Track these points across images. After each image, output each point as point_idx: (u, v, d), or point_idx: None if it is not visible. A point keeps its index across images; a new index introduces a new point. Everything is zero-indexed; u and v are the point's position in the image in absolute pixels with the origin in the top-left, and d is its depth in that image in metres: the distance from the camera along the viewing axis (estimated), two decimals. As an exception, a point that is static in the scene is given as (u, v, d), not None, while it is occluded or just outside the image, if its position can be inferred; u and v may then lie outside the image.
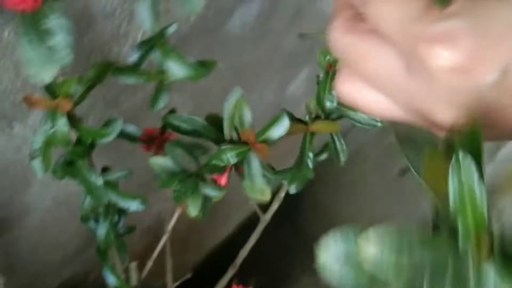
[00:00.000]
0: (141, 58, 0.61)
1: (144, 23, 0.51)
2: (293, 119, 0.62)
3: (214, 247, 1.41)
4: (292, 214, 1.34)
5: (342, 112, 0.65)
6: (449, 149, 0.27)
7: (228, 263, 0.80)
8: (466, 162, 0.26)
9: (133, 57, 0.61)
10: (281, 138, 0.60)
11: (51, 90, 0.57)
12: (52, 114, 0.57)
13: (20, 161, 0.75)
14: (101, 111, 0.77)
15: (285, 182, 0.68)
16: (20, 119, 0.71)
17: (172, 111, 0.64)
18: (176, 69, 0.60)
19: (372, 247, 0.26)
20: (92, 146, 0.61)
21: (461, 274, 0.26)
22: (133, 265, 0.73)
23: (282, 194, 0.75)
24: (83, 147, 0.60)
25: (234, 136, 0.60)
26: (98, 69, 0.59)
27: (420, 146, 0.33)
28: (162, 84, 0.62)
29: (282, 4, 0.96)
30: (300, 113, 0.66)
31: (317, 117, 0.65)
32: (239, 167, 0.61)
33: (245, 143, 0.59)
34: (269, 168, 0.62)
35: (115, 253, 0.72)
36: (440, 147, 0.29)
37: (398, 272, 0.25)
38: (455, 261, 0.26)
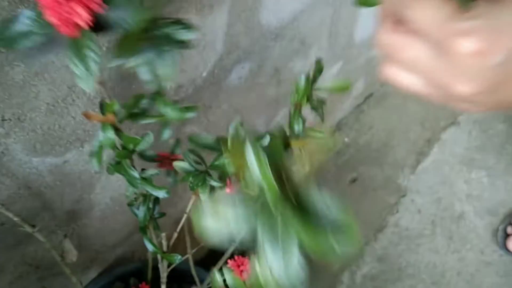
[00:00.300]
0: (148, 104, 0.61)
1: (146, 82, 0.51)
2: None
3: None
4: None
5: (306, 134, 0.67)
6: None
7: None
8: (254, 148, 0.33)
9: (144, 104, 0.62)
10: None
11: (102, 108, 0.58)
12: (103, 126, 0.58)
13: (88, 170, 0.78)
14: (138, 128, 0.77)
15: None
16: (88, 140, 0.73)
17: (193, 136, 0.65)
18: (170, 113, 0.60)
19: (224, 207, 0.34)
20: (132, 151, 0.61)
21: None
22: (163, 235, 0.75)
23: None
24: (126, 151, 0.61)
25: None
26: (132, 102, 0.60)
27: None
28: (164, 122, 0.65)
29: (265, 65, 0.98)
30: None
31: (290, 136, 0.67)
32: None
33: None
34: None
35: (151, 229, 0.74)
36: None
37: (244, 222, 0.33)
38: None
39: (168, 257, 0.72)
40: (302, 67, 1.09)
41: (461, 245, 1.46)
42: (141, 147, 0.62)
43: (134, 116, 0.60)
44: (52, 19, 0.39)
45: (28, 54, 0.46)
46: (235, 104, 0.99)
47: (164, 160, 0.67)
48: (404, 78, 0.31)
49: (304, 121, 0.68)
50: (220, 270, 0.66)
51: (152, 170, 0.64)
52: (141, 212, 0.71)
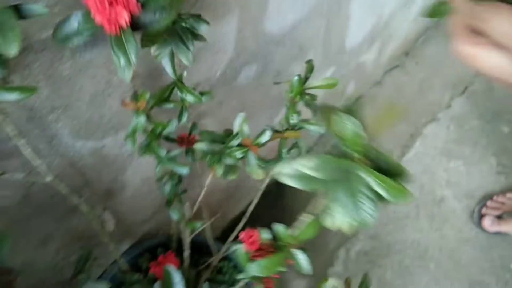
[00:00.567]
0: (169, 93, 0.65)
1: (168, 73, 0.56)
2: (275, 131, 0.66)
3: (234, 216, 1.38)
4: (277, 185, 1.38)
5: (300, 125, 0.68)
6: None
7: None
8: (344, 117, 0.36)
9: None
10: (266, 142, 0.64)
11: (135, 98, 0.61)
12: (136, 112, 0.61)
13: (121, 155, 0.79)
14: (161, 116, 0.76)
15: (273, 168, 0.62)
16: (121, 129, 0.74)
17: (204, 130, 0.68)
18: (189, 98, 0.63)
19: (308, 169, 0.36)
20: (160, 134, 0.63)
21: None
22: (187, 205, 0.77)
23: (270, 174, 0.73)
24: (155, 134, 0.63)
25: (239, 142, 0.64)
26: (160, 92, 0.64)
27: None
28: (183, 107, 0.66)
29: (269, 67, 0.99)
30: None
31: (287, 129, 0.68)
32: (244, 160, 0.64)
33: (246, 146, 0.63)
34: (261, 159, 0.65)
35: (176, 203, 0.76)
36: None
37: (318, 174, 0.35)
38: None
39: (190, 224, 0.75)
40: (300, 70, 1.11)
41: (442, 225, 1.48)
42: (167, 130, 0.64)
43: (159, 102, 0.64)
44: (99, 20, 0.42)
45: (77, 50, 0.50)
46: (244, 100, 1.00)
47: (184, 140, 0.69)
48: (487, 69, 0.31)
49: (299, 115, 0.68)
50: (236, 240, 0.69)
51: (176, 151, 0.66)
52: (167, 188, 0.74)
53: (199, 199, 0.76)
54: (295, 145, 0.70)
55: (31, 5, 0.43)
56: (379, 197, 0.36)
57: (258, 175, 0.65)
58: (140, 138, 0.64)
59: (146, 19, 0.44)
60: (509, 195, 1.46)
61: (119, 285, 0.90)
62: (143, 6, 0.44)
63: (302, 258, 0.57)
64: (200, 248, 0.99)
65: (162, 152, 0.65)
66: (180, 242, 0.94)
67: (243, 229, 0.75)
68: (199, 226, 0.73)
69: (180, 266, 0.89)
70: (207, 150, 0.66)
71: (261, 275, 0.55)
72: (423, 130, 1.64)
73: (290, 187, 0.38)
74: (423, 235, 1.46)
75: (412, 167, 1.57)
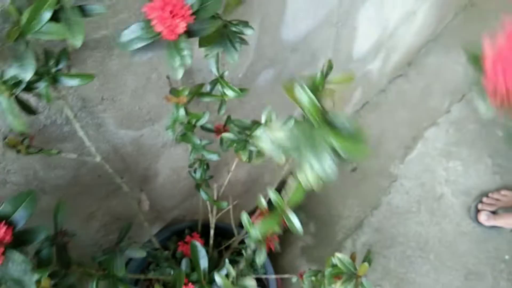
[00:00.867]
0: (212, 88, 0.69)
1: (213, 71, 0.61)
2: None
3: (252, 208, 1.33)
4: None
5: None
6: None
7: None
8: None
9: (208, 88, 0.69)
10: None
11: (173, 93, 0.64)
12: (176, 106, 0.64)
13: (156, 145, 0.82)
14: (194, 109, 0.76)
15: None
16: (157, 121, 0.78)
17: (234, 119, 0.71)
18: (229, 93, 0.67)
19: (279, 132, 0.38)
20: (195, 125, 0.68)
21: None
22: (215, 186, 0.80)
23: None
24: (191, 125, 0.67)
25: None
26: (195, 89, 0.66)
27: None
28: (223, 101, 0.70)
29: (284, 72, 1.02)
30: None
31: None
32: None
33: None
34: None
35: (204, 186, 0.79)
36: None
37: (289, 141, 0.37)
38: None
39: (217, 203, 0.78)
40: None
41: (441, 219, 1.50)
42: (201, 121, 0.68)
43: (201, 95, 0.67)
44: (158, 28, 0.45)
45: (135, 53, 0.54)
46: (262, 101, 1.03)
47: (220, 130, 0.73)
48: None
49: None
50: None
51: (206, 140, 0.70)
52: (197, 173, 0.78)
53: (225, 182, 0.81)
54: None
55: (93, 5, 0.48)
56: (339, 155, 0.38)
57: (282, 159, 0.69)
58: (178, 128, 0.68)
59: (197, 27, 0.48)
60: (503, 192, 1.48)
61: (152, 260, 0.95)
62: (196, 15, 0.47)
63: (294, 219, 0.60)
64: (222, 233, 1.04)
65: (197, 140, 0.69)
66: (204, 227, 0.99)
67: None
68: (225, 205, 0.77)
69: (204, 246, 0.92)
70: (234, 139, 0.70)
71: (260, 233, 0.59)
72: (424, 133, 1.66)
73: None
74: (424, 228, 1.48)
75: (414, 166, 1.59)
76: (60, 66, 0.52)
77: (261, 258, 0.67)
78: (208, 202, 0.88)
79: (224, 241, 1.03)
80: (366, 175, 1.58)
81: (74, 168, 0.70)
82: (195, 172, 0.80)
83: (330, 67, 0.73)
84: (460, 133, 1.65)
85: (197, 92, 0.68)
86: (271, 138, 0.39)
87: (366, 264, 0.73)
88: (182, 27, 0.44)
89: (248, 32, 0.58)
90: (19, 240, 0.46)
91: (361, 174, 1.58)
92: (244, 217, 0.62)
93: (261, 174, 1.31)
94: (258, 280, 1.00)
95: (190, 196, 1.06)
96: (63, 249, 0.58)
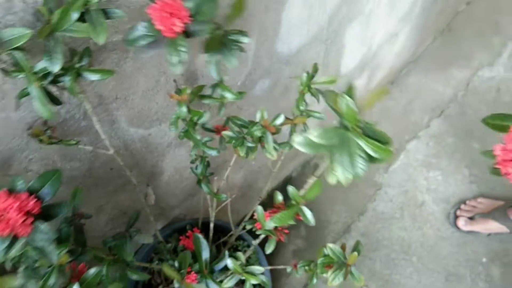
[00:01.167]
0: (212, 91, 0.71)
1: (214, 75, 0.58)
2: (286, 118, 0.71)
3: (246, 213, 1.28)
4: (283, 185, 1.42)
5: (308, 113, 0.74)
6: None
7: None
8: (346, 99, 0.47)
9: (208, 91, 0.71)
10: (281, 124, 0.69)
11: (178, 91, 0.66)
12: (179, 103, 0.66)
13: (162, 143, 0.83)
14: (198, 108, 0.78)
15: (283, 149, 0.75)
16: (164, 121, 0.79)
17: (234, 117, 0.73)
18: (228, 95, 0.69)
19: (314, 137, 0.40)
20: (196, 123, 0.69)
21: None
22: (215, 179, 0.82)
23: (282, 157, 0.82)
24: (192, 122, 0.69)
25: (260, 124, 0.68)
26: (196, 89, 0.68)
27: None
28: (222, 103, 0.72)
29: (279, 83, 1.04)
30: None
31: (297, 116, 0.74)
32: (262, 142, 0.69)
33: (264, 126, 0.69)
34: (275, 142, 0.69)
35: (205, 182, 0.80)
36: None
37: (324, 146, 0.39)
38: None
39: (217, 196, 0.81)
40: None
41: (423, 225, 1.53)
42: (202, 119, 0.70)
43: (202, 97, 0.70)
44: (159, 27, 0.49)
45: (141, 50, 0.58)
46: (258, 108, 1.04)
47: (219, 130, 0.76)
48: None
49: (306, 104, 0.75)
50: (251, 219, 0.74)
51: (206, 138, 0.73)
52: (199, 169, 0.81)
53: (225, 175, 0.83)
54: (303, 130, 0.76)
55: (114, 9, 0.52)
56: (369, 156, 0.42)
57: (272, 155, 0.70)
58: (181, 126, 0.71)
59: (195, 28, 0.51)
60: (479, 199, 1.53)
61: (154, 256, 0.96)
62: (193, 19, 0.51)
63: (308, 213, 0.65)
64: (220, 231, 1.07)
65: (198, 137, 0.72)
66: (204, 225, 1.01)
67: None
68: (224, 197, 0.80)
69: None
70: (233, 136, 0.73)
71: (276, 225, 0.62)
72: (406, 145, 1.70)
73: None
74: (407, 233, 1.51)
75: (397, 175, 1.63)
76: (83, 62, 0.56)
77: (270, 247, 0.71)
78: (208, 200, 0.91)
79: (223, 237, 1.05)
80: (353, 184, 1.58)
81: (89, 160, 0.73)
82: (196, 168, 0.82)
83: (315, 69, 0.77)
84: (439, 146, 1.69)
85: (198, 92, 0.71)
86: (305, 138, 0.40)
87: (355, 253, 0.76)
88: (179, 25, 0.47)
89: (244, 40, 0.61)
90: (45, 214, 0.49)
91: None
92: (259, 210, 0.65)
93: (256, 180, 1.34)
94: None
95: (191, 196, 1.08)
96: (79, 230, 0.61)
